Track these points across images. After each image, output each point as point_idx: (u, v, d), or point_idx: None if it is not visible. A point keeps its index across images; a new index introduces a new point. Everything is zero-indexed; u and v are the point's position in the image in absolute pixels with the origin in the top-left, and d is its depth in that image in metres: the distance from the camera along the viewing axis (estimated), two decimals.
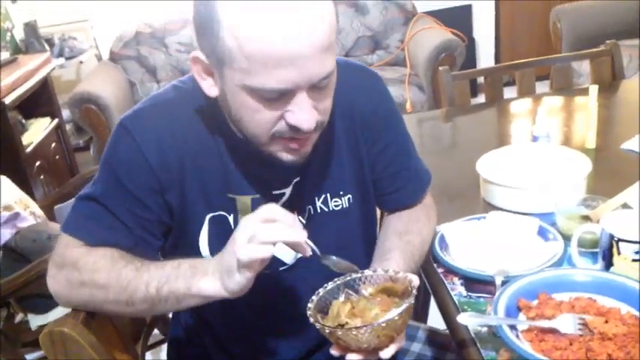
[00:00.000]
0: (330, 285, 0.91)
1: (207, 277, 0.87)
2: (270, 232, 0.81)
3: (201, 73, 0.91)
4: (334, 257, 0.91)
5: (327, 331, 0.83)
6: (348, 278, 0.92)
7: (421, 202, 1.17)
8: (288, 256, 1.04)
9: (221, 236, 1.01)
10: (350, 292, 0.92)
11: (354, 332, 0.81)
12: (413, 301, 0.84)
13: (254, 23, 0.78)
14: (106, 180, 0.97)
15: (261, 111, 0.86)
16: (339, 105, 1.01)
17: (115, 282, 0.92)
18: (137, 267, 0.92)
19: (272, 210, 0.83)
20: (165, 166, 0.96)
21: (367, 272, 0.93)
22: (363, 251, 1.13)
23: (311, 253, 0.85)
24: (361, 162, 1.09)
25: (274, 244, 0.81)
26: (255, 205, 1.00)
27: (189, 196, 0.99)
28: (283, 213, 0.83)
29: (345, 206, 1.08)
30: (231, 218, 1.02)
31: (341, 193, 1.08)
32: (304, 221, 1.05)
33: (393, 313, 0.82)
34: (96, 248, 0.96)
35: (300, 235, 0.83)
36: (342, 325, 0.85)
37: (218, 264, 0.87)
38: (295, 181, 1.03)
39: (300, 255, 1.05)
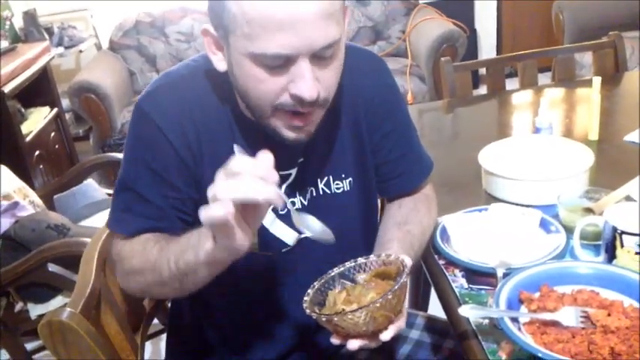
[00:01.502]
0: (324, 277, 0.91)
1: (209, 240, 0.82)
2: (227, 189, 0.73)
3: (211, 47, 0.92)
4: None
5: (323, 319, 0.83)
6: (342, 268, 0.93)
7: (422, 189, 1.17)
8: (290, 237, 1.05)
9: None
10: (345, 281, 0.92)
11: (349, 316, 0.81)
12: (406, 280, 0.84)
13: None
14: (134, 165, 0.99)
15: (264, 80, 0.86)
16: (343, 88, 1.02)
17: (147, 264, 0.93)
18: (162, 246, 0.92)
19: (237, 162, 0.75)
20: (186, 144, 0.96)
21: (360, 260, 0.93)
22: (362, 237, 1.14)
23: (282, 204, 0.80)
24: (363, 147, 1.09)
25: (234, 201, 0.73)
26: None
27: (207, 171, 0.99)
28: (251, 164, 0.75)
29: (346, 189, 1.08)
30: None
31: (343, 175, 1.08)
32: (305, 202, 1.06)
33: (388, 292, 0.82)
34: (134, 238, 0.98)
35: (266, 192, 0.74)
36: (337, 313, 0.85)
37: None
38: (300, 161, 1.03)
39: (302, 235, 1.05)
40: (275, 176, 0.76)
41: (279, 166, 1.01)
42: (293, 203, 1.05)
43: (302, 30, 0.80)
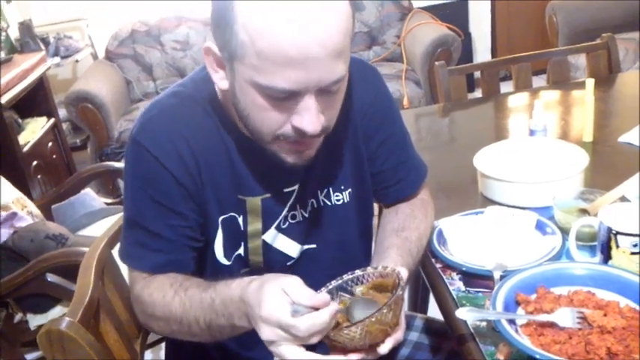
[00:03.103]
0: (323, 290, 0.91)
1: (242, 319, 0.87)
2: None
3: (213, 65, 0.91)
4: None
5: None
6: (340, 281, 0.92)
7: (419, 195, 1.17)
8: (293, 250, 1.05)
9: (231, 238, 1.04)
10: (343, 294, 0.92)
11: (345, 332, 0.81)
12: (401, 293, 0.84)
13: (268, 20, 0.78)
14: (139, 200, 0.99)
15: (268, 110, 0.86)
16: (346, 104, 1.02)
17: (170, 315, 0.95)
18: (183, 300, 0.94)
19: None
20: (185, 171, 0.96)
21: (358, 272, 0.93)
22: (360, 246, 1.15)
23: None
24: (360, 156, 1.09)
25: None
26: (265, 205, 1.02)
27: (207, 198, 1.00)
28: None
29: (346, 201, 1.09)
30: (240, 219, 1.03)
31: (342, 187, 1.09)
32: (307, 215, 1.06)
33: (383, 306, 0.82)
34: (150, 279, 1.00)
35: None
36: (333, 328, 0.84)
37: (246, 312, 0.86)
38: (302, 178, 1.04)
39: (305, 247, 1.06)
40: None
41: (282, 184, 1.03)
42: (294, 216, 1.06)
43: (312, 67, 0.80)
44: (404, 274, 0.88)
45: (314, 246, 1.09)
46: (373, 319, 0.80)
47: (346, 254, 1.11)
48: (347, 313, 0.88)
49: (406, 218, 1.11)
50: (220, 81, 0.91)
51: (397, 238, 1.06)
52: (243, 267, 1.06)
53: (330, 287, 0.91)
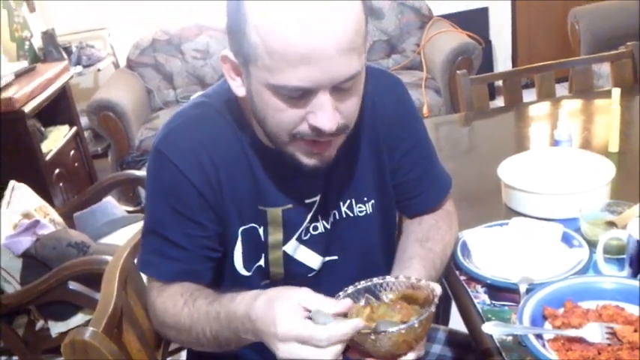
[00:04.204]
0: (350, 289, 0.90)
1: (248, 334, 0.87)
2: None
3: (230, 73, 0.92)
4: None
5: None
6: (370, 283, 0.91)
7: (443, 206, 1.16)
8: (314, 261, 1.05)
9: (252, 249, 1.03)
10: (370, 297, 0.91)
11: (372, 337, 0.80)
12: (434, 310, 0.83)
13: (277, 20, 0.79)
14: (159, 208, 1.00)
15: (283, 110, 0.86)
16: (363, 109, 1.02)
17: (180, 325, 0.96)
18: (191, 311, 0.94)
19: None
20: (206, 182, 0.97)
21: (389, 278, 0.92)
22: (383, 257, 1.13)
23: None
24: (383, 167, 1.08)
25: None
26: (286, 216, 1.02)
27: (227, 209, 1.00)
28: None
29: (369, 212, 1.08)
30: (261, 230, 1.03)
31: (365, 199, 1.08)
32: (328, 226, 1.06)
33: (414, 320, 0.81)
34: (164, 287, 1.01)
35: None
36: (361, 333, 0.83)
37: (253, 329, 0.86)
38: (323, 186, 1.03)
39: (326, 259, 1.05)
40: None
41: (304, 194, 1.02)
42: (315, 228, 1.05)
43: (324, 64, 0.80)
44: (438, 290, 0.86)
45: (335, 258, 1.09)
46: (403, 331, 0.80)
47: (368, 266, 1.09)
48: (372, 317, 0.87)
49: (430, 229, 1.10)
50: (238, 88, 0.92)
51: (421, 249, 1.05)
52: (264, 278, 1.06)
53: (359, 287, 0.91)
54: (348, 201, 1.07)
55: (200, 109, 1.00)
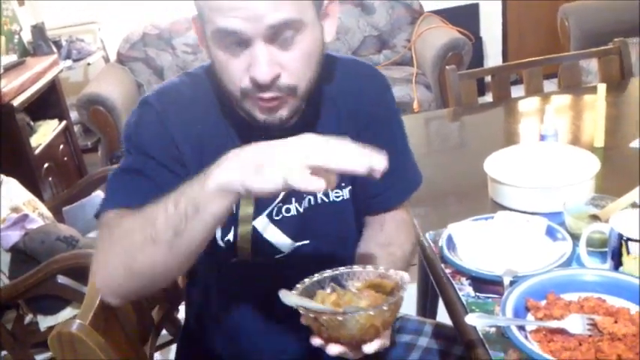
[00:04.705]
0: (316, 276, 0.89)
1: (221, 166, 0.78)
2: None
3: (199, 34, 0.95)
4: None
5: (311, 315, 0.80)
6: (337, 272, 0.91)
7: (402, 211, 1.16)
8: (284, 244, 1.05)
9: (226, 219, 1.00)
10: (336, 286, 0.90)
11: (339, 318, 0.78)
12: (404, 296, 0.82)
13: None
14: (133, 154, 0.99)
15: (228, 62, 0.89)
16: (346, 100, 1.06)
17: (139, 219, 0.85)
18: (161, 200, 0.83)
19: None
20: (186, 140, 0.98)
21: (356, 268, 0.91)
22: (354, 244, 1.13)
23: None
24: None
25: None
26: None
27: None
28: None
29: (345, 197, 1.09)
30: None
31: (342, 184, 1.09)
32: (301, 210, 1.06)
33: (384, 304, 0.80)
34: (123, 213, 0.91)
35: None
36: (330, 312, 0.81)
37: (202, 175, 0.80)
38: None
39: (297, 244, 1.06)
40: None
41: None
42: (288, 210, 1.06)
43: (251, 9, 0.82)
44: (407, 278, 0.86)
45: (307, 242, 1.09)
46: (372, 313, 0.78)
47: (339, 253, 1.09)
48: (338, 303, 0.86)
49: (392, 234, 1.10)
50: (206, 50, 0.95)
51: (383, 252, 1.04)
52: (232, 255, 1.06)
53: (326, 275, 0.90)
54: None
55: (189, 78, 1.04)
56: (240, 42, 0.86)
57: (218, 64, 0.91)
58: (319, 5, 0.92)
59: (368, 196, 1.13)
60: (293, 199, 1.06)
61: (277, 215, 1.05)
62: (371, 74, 1.13)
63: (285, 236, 1.06)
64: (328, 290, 0.89)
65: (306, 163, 0.72)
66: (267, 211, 1.05)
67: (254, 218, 1.04)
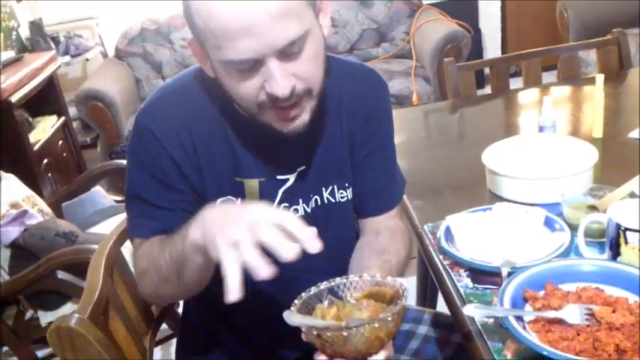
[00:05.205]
0: (313, 289, 0.88)
1: (194, 224, 0.82)
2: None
3: (199, 56, 0.95)
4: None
5: (314, 333, 0.78)
6: (333, 283, 0.89)
7: (395, 218, 1.16)
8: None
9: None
10: (333, 297, 0.88)
11: (344, 334, 0.76)
12: (406, 304, 0.81)
13: (209, 1, 0.82)
14: (140, 176, 1.02)
15: (241, 83, 0.89)
16: (346, 102, 1.07)
17: (151, 262, 0.96)
18: (163, 241, 0.95)
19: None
20: (184, 154, 1.00)
21: (352, 277, 0.90)
22: (353, 247, 1.14)
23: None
24: (354, 157, 1.11)
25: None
26: (263, 189, 1.03)
27: (205, 180, 1.02)
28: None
29: (349, 198, 1.10)
30: (238, 202, 1.03)
31: (346, 185, 1.10)
32: (309, 210, 1.07)
33: (388, 314, 0.78)
34: (146, 241, 1.01)
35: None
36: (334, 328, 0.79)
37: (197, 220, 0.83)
38: (300, 169, 1.05)
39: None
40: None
41: (276, 170, 1.03)
42: (296, 210, 1.06)
43: (259, 34, 0.82)
44: (406, 285, 0.85)
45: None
46: (377, 325, 0.77)
47: (343, 254, 1.10)
48: (339, 316, 0.84)
49: (387, 241, 1.10)
50: (208, 70, 0.96)
51: (378, 260, 1.04)
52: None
53: (322, 288, 0.88)
54: (331, 187, 1.09)
55: (181, 83, 1.04)
56: (254, 65, 0.86)
57: (229, 85, 0.91)
58: (314, 5, 0.92)
59: (365, 198, 1.13)
60: (300, 200, 1.06)
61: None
62: (369, 74, 1.13)
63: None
64: (326, 303, 0.87)
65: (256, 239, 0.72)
66: None
67: None
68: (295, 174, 1.05)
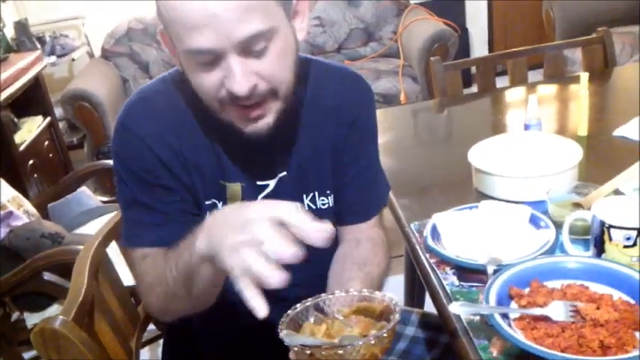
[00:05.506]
0: (299, 306, 0.85)
1: (200, 234, 0.78)
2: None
3: (169, 47, 0.94)
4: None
5: (307, 352, 0.75)
6: (318, 299, 0.86)
7: (376, 227, 1.14)
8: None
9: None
10: (318, 313, 0.85)
11: (340, 352, 0.74)
12: (399, 318, 0.79)
13: None
14: (130, 180, 1.00)
15: (202, 76, 0.87)
16: (329, 107, 1.05)
17: (156, 276, 0.93)
18: (167, 255, 0.91)
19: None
20: (170, 153, 0.98)
21: (338, 293, 0.87)
22: (332, 255, 1.12)
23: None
24: (336, 164, 1.09)
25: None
26: (245, 193, 1.02)
27: (194, 181, 1.01)
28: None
29: (330, 205, 1.09)
30: (220, 205, 1.02)
31: (328, 192, 1.08)
32: None
33: (383, 330, 0.77)
34: (149, 253, 0.99)
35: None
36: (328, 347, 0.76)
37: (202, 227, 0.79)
38: (281, 175, 1.04)
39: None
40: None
41: (256, 176, 1.02)
42: None
43: (218, 26, 0.81)
44: (396, 300, 0.83)
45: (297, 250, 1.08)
46: (372, 341, 0.75)
47: (326, 261, 1.08)
48: (330, 334, 0.82)
49: (368, 253, 1.07)
50: (177, 62, 0.94)
51: (360, 272, 1.02)
52: None
53: (307, 304, 0.85)
54: (312, 194, 1.07)
55: (161, 85, 1.02)
56: (213, 58, 0.85)
57: (192, 78, 0.90)
58: (288, 5, 0.90)
59: (347, 205, 1.12)
60: None
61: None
62: (354, 79, 1.11)
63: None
64: (312, 319, 0.84)
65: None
66: None
67: None
68: (275, 180, 1.04)
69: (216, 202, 1.02)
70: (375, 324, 0.82)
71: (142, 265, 1.00)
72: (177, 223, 1.00)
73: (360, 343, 0.75)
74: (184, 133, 0.99)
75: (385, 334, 0.76)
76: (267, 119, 0.91)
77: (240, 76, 0.84)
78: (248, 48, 0.84)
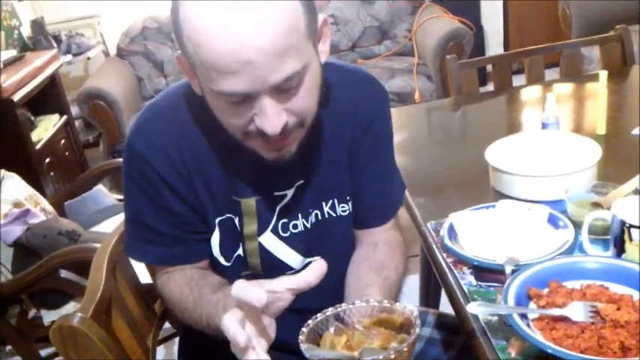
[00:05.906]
0: (319, 316, 0.84)
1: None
2: None
3: (187, 73, 0.91)
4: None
5: None
6: (339, 309, 0.85)
7: (393, 229, 1.14)
8: (294, 261, 1.04)
9: (230, 238, 1.04)
10: (338, 323, 0.84)
11: None
12: (419, 332, 0.78)
13: (202, 29, 0.78)
14: (136, 198, 1.02)
15: (230, 113, 0.86)
16: (345, 112, 1.04)
17: (185, 313, 1.00)
18: (195, 298, 0.98)
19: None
20: (176, 175, 0.98)
21: (359, 303, 0.86)
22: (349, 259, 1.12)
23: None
24: (353, 168, 1.08)
25: None
26: (260, 207, 1.02)
27: (201, 199, 1.01)
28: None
29: (350, 211, 1.08)
30: (237, 220, 1.03)
31: (347, 198, 1.08)
32: (309, 225, 1.05)
33: (404, 344, 0.76)
34: (168, 276, 1.05)
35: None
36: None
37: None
38: (298, 184, 1.03)
39: (308, 260, 1.05)
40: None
41: (272, 187, 1.02)
42: (295, 226, 1.05)
43: (252, 71, 0.78)
44: (416, 312, 0.81)
45: (317, 258, 1.08)
46: (392, 356, 0.74)
47: (344, 266, 1.07)
48: (350, 345, 0.81)
49: (385, 257, 1.06)
50: (196, 88, 0.92)
51: (378, 277, 1.00)
52: (243, 269, 1.06)
53: (328, 314, 0.84)
54: (331, 201, 1.06)
55: (170, 101, 1.00)
56: (246, 98, 0.83)
57: (219, 111, 0.88)
58: (314, 34, 0.86)
59: (363, 209, 1.11)
60: (299, 215, 1.04)
61: (285, 232, 1.04)
62: (369, 82, 1.09)
63: (295, 252, 1.06)
64: (332, 329, 0.83)
65: None
66: (270, 227, 1.04)
67: (259, 234, 1.04)
68: (293, 189, 1.03)
69: (232, 216, 1.02)
70: (395, 336, 0.81)
71: (165, 289, 1.05)
72: (184, 244, 1.03)
73: (381, 357, 0.74)
74: (193, 152, 0.98)
75: (405, 349, 0.76)
76: (289, 148, 0.91)
77: (274, 117, 0.83)
78: (281, 89, 0.82)
